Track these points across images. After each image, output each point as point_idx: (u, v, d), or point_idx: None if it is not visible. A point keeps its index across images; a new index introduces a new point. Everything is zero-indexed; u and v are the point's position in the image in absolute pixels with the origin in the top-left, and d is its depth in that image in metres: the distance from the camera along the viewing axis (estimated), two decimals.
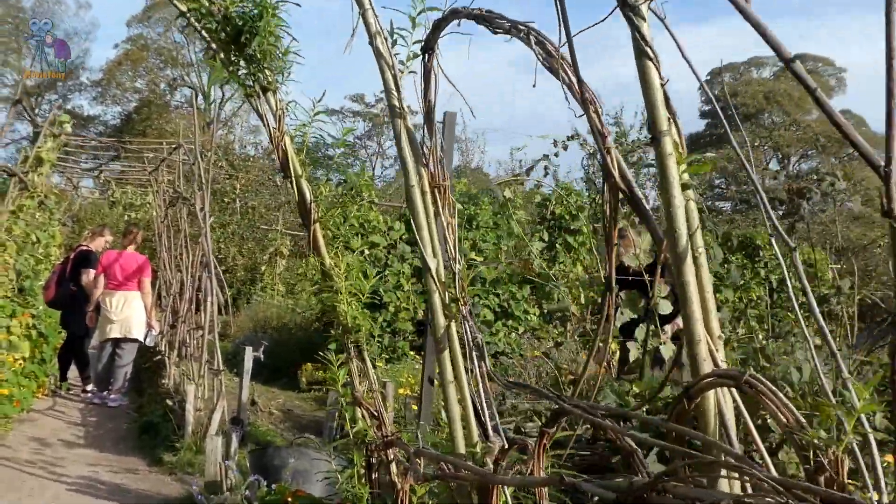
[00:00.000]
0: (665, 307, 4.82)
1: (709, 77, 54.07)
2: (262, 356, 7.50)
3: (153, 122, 41.01)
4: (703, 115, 52.61)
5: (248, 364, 7.37)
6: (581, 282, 11.49)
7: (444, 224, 3.52)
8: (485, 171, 44.71)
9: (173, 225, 11.58)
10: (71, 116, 12.35)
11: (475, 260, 11.13)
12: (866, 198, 45.33)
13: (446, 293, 3.35)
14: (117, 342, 9.61)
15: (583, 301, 11.53)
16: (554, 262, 11.46)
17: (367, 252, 10.78)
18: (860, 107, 60.62)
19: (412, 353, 10.62)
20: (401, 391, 7.96)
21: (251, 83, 3.76)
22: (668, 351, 5.08)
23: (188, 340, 9.25)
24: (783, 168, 51.03)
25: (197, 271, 9.39)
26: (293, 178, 3.86)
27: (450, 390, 3.34)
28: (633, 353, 5.17)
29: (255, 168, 24.72)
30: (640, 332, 5.11)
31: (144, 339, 9.78)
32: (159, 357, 10.18)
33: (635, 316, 5.42)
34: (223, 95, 41.40)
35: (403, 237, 11.08)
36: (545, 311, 11.44)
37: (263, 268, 17.92)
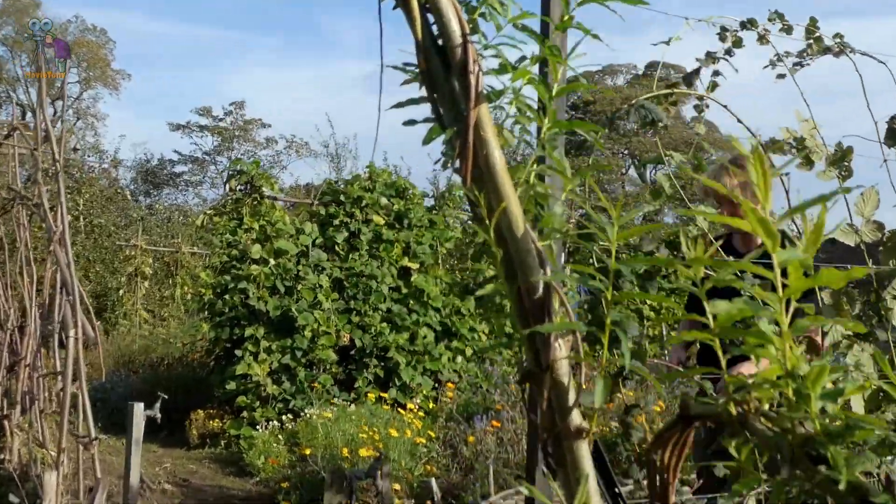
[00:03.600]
0: None
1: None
2: (158, 415, 5.01)
3: None
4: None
5: (139, 429, 4.86)
6: None
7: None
8: None
9: (7, 237, 8.81)
10: None
11: (410, 268, 8.85)
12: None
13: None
14: None
15: None
16: None
17: (272, 262, 8.33)
18: (711, 112, 62.02)
19: (336, 389, 8.23)
20: (363, 452, 5.59)
21: None
22: None
23: (36, 392, 6.61)
24: (641, 174, 51.07)
25: (45, 296, 6.79)
26: None
27: None
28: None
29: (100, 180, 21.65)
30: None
31: None
32: None
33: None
34: (55, 112, 37.61)
35: (318, 242, 8.69)
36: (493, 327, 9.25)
37: (121, 291, 14.97)
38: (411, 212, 8.89)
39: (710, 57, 3.14)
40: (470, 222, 9.50)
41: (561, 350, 1.24)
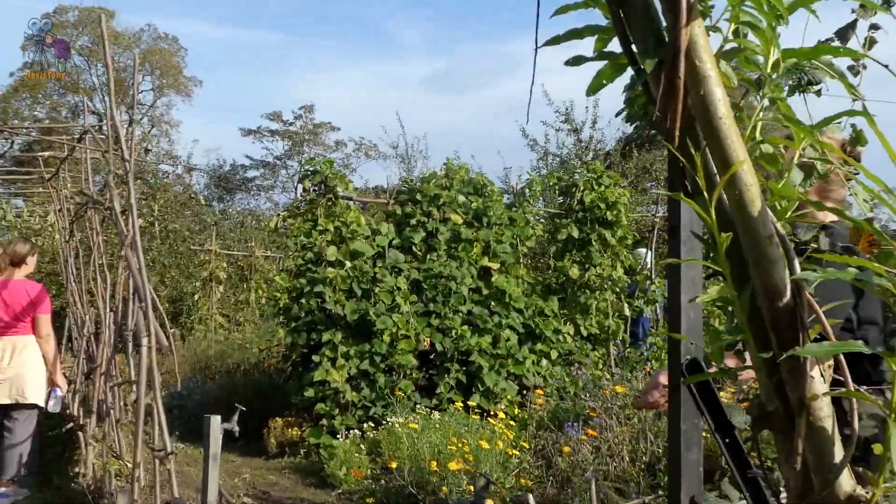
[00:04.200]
0: None
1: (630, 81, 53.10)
2: (236, 428, 4.71)
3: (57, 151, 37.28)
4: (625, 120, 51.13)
5: (216, 443, 4.58)
6: (621, 288, 8.97)
7: None
8: None
9: (83, 244, 8.69)
10: None
11: (490, 268, 8.47)
12: None
13: None
14: (6, 411, 6.68)
15: (627, 313, 9.00)
16: (587, 265, 8.88)
17: (348, 265, 8.04)
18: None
19: (417, 395, 7.90)
20: (452, 465, 5.21)
21: None
22: None
23: (110, 400, 6.43)
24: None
25: (119, 301, 6.60)
26: None
27: None
28: None
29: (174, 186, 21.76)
30: None
31: (46, 405, 6.83)
32: (71, 425, 7.24)
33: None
34: (130, 119, 38.12)
35: (394, 243, 8.37)
36: (580, 328, 8.84)
37: (196, 296, 14.88)
38: (490, 209, 8.51)
39: (868, 5, 2.67)
40: (556, 219, 9.11)
41: (821, 382, 0.84)
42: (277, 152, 48.79)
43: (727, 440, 1.98)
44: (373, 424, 7.52)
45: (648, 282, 9.50)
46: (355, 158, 47.48)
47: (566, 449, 5.47)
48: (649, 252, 10.31)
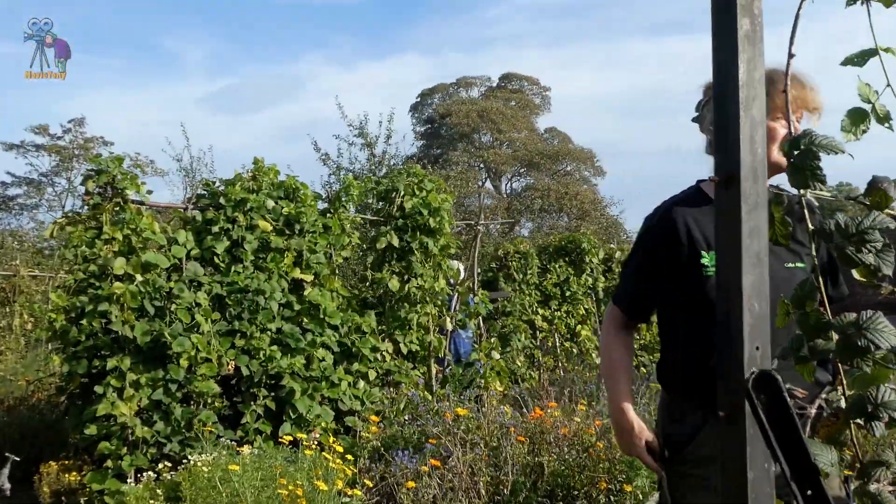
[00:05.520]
0: None
1: (418, 98, 53.50)
2: (7, 485, 3.63)
3: None
4: (417, 136, 51.45)
5: None
6: (443, 301, 8.37)
7: None
8: None
9: None
10: None
11: (303, 280, 7.61)
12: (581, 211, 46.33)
13: None
14: None
15: (450, 327, 8.40)
16: (407, 276, 8.18)
17: (139, 279, 6.94)
18: (564, 124, 63.48)
19: (220, 427, 6.91)
20: None
21: None
22: None
23: None
24: (497, 186, 51.00)
25: None
26: None
27: None
28: None
29: None
30: None
31: None
32: None
33: None
34: None
35: (193, 253, 7.35)
36: (400, 345, 8.14)
37: None
38: (303, 216, 7.65)
39: None
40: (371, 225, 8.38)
41: None
42: (43, 168, 45.17)
43: (809, 492, 1.32)
44: (169, 464, 6.47)
45: (471, 294, 8.96)
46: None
47: (410, 484, 4.73)
48: (461, 264, 9.82)
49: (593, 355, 12.43)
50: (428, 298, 8.16)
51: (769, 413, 1.33)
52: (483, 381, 7.79)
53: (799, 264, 2.48)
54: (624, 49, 77.42)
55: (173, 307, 7.01)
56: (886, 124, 1.56)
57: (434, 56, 74.44)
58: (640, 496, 4.94)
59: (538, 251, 13.77)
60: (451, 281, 8.62)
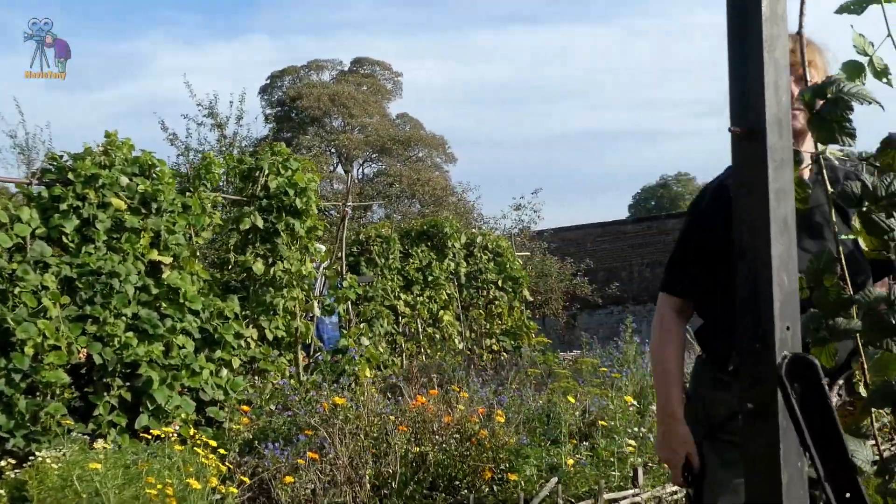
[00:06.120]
0: None
1: (268, 81, 52.39)
2: None
3: None
4: (267, 119, 50.41)
5: None
6: (310, 285, 8.06)
7: None
8: None
9: None
10: None
11: (161, 262, 7.15)
12: (434, 196, 46.55)
13: None
14: None
15: (318, 312, 8.10)
16: (272, 259, 7.81)
17: None
18: (415, 111, 63.59)
19: (70, 420, 6.40)
20: None
21: None
22: None
23: None
24: (348, 171, 50.59)
25: None
26: None
27: None
28: None
29: None
30: None
31: None
32: None
33: None
34: None
35: (39, 232, 6.76)
36: (265, 331, 7.80)
37: None
38: (160, 194, 7.17)
39: None
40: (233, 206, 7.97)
41: None
42: None
43: (848, 494, 1.17)
44: (13, 461, 5.93)
45: (340, 277, 8.68)
46: None
47: (289, 479, 4.45)
48: (321, 246, 9.54)
49: (455, 340, 12.38)
50: (295, 282, 7.84)
51: (804, 404, 1.17)
52: (355, 368, 7.55)
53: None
54: (471, 39, 78.25)
55: (17, 290, 6.43)
56: (885, 79, 1.41)
57: (282, 39, 72.96)
58: (524, 485, 4.84)
59: (400, 236, 13.58)
60: (319, 264, 8.33)
